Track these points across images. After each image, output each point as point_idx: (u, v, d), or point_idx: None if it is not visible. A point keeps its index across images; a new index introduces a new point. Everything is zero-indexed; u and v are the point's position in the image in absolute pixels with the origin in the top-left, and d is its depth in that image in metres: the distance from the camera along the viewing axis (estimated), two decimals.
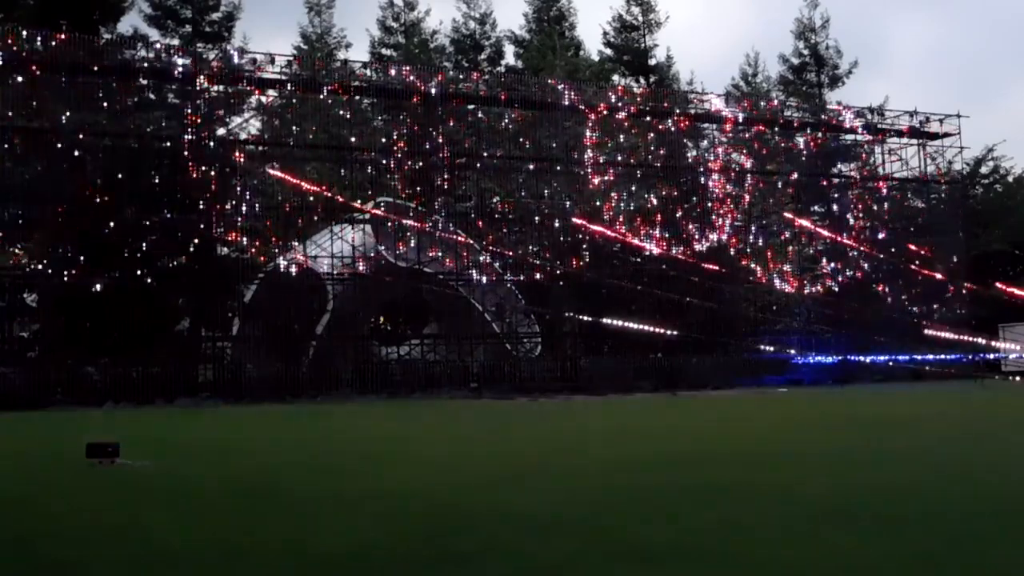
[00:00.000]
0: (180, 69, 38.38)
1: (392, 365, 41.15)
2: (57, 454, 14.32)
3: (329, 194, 40.55)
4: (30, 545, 6.96)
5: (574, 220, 42.75)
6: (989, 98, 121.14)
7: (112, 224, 36.05)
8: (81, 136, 36.83)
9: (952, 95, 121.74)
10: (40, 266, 36.87)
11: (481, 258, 42.68)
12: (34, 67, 35.97)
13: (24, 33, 36.26)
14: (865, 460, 11.70)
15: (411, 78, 41.80)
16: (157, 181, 37.24)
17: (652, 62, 60.55)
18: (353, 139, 41.93)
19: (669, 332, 41.63)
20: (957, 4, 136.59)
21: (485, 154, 43.94)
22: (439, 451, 14.40)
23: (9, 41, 35.53)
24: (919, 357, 46.02)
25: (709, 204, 47.41)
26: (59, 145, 35.66)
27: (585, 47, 62.51)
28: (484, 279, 42.57)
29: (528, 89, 44.07)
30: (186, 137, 38.27)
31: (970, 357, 47.18)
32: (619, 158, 46.58)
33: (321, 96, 41.36)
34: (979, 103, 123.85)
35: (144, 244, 37.43)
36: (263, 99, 42.77)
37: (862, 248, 48.88)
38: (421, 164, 42.68)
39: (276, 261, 40.37)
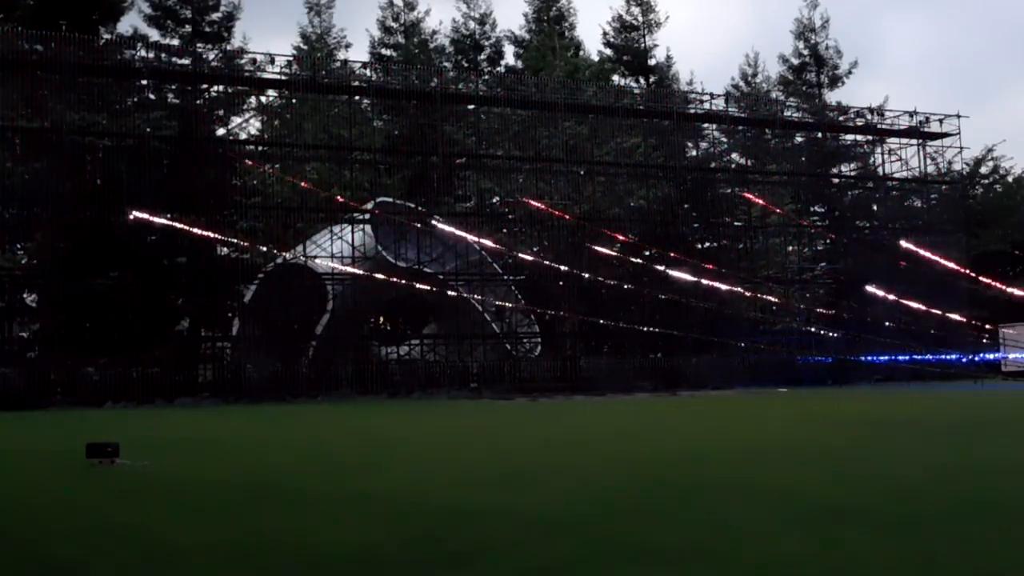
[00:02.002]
0: (179, 69, 38.41)
1: (392, 365, 41.14)
2: (57, 454, 14.32)
3: (328, 194, 40.55)
4: (30, 545, 6.96)
5: (573, 220, 42.70)
6: (988, 98, 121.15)
7: (112, 224, 36.04)
8: (81, 136, 36.83)
9: (951, 95, 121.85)
10: (40, 266, 36.86)
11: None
12: (34, 67, 35.96)
13: (24, 33, 36.28)
14: (864, 460, 11.71)
15: (412, 78, 41.80)
16: (156, 181, 37.24)
17: (652, 62, 60.50)
18: (353, 139, 41.95)
19: (669, 332, 41.58)
20: (956, 4, 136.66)
21: (485, 157, 43.98)
22: (439, 451, 14.40)
23: (9, 41, 35.52)
24: (919, 357, 46.01)
25: (709, 204, 47.38)
26: (59, 145, 35.66)
27: (585, 47, 62.45)
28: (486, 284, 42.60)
29: (528, 89, 44.04)
30: (186, 137, 38.29)
31: (969, 357, 47.17)
32: (618, 158, 46.51)
33: (321, 96, 41.33)
34: (978, 103, 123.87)
35: (144, 244, 37.43)
36: (263, 99, 42.72)
37: (862, 248, 48.83)
38: (421, 164, 42.65)
39: (276, 261, 40.36)
